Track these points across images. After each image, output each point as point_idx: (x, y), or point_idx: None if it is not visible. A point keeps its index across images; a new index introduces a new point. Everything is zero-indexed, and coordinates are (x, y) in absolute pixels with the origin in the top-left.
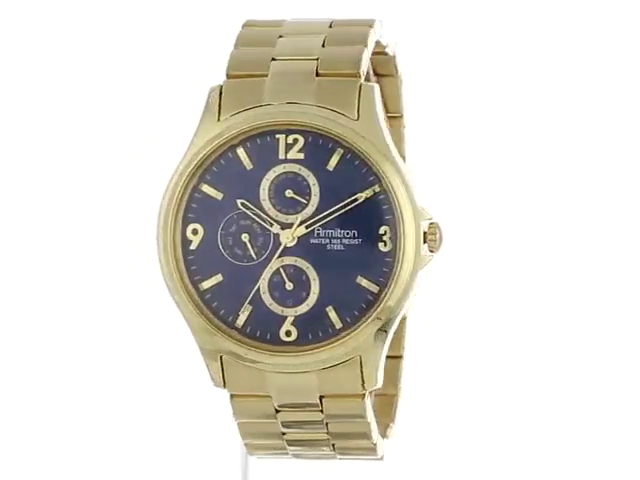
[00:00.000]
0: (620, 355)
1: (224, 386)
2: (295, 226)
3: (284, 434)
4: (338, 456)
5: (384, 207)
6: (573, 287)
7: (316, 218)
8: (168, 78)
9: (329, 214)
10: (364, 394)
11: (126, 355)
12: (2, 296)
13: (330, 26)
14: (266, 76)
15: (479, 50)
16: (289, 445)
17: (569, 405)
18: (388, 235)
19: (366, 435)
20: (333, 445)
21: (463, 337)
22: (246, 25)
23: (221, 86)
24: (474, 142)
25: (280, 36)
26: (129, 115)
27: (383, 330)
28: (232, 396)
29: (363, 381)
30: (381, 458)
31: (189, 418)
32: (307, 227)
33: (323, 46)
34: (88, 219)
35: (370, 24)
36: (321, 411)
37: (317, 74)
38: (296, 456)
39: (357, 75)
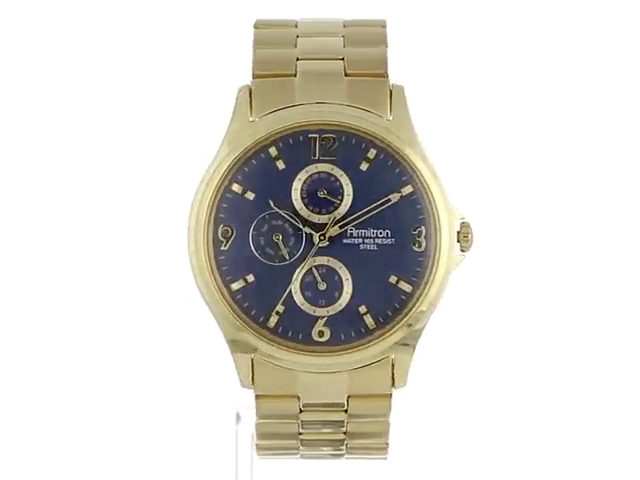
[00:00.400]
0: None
1: (253, 387)
2: (328, 226)
3: (300, 434)
4: (346, 456)
5: (417, 207)
6: (566, 291)
7: (350, 218)
8: (170, 77)
9: (362, 214)
10: (391, 394)
11: (130, 356)
12: (26, 297)
13: (344, 26)
14: (293, 76)
15: (472, 48)
16: (302, 445)
17: (570, 407)
18: (422, 235)
19: (382, 434)
20: (346, 445)
21: (466, 337)
22: (259, 25)
23: (249, 86)
24: (468, 143)
25: (297, 36)
26: (137, 117)
27: (408, 344)
28: (258, 396)
29: (393, 381)
30: (385, 457)
31: (192, 420)
32: (341, 227)
33: (344, 46)
34: (104, 222)
35: (383, 24)
36: (345, 411)
37: (346, 74)
38: (303, 456)
39: (385, 75)
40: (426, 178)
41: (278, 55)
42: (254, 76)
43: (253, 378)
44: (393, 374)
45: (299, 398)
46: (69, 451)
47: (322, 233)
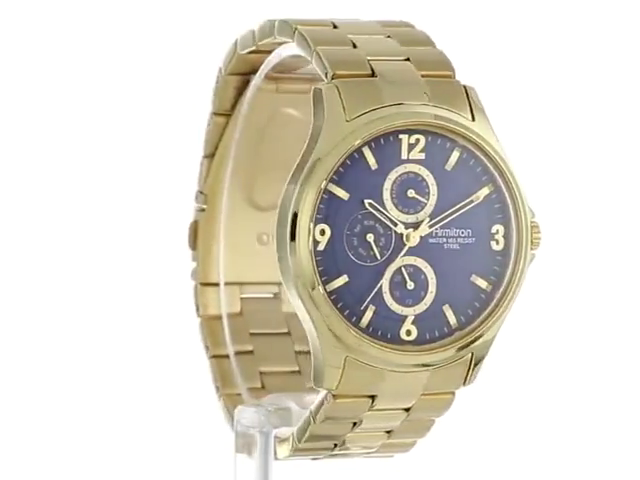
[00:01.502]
0: None
1: (336, 387)
2: (423, 225)
3: (346, 434)
4: (364, 455)
5: (496, 206)
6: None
7: (437, 218)
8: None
9: (449, 214)
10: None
11: (130, 358)
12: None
13: (382, 26)
14: (371, 76)
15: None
16: (341, 444)
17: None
18: (501, 234)
19: (424, 431)
20: (379, 443)
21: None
22: (301, 24)
23: (336, 85)
24: None
25: (349, 36)
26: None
27: (487, 341)
28: (336, 396)
29: (466, 378)
30: (392, 456)
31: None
32: (430, 227)
33: (401, 47)
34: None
35: (412, 25)
36: (407, 409)
37: (421, 75)
38: (326, 456)
39: (453, 76)
40: (509, 177)
41: (347, 55)
42: (334, 76)
43: (341, 378)
44: (468, 371)
45: (373, 398)
46: (70, 451)
47: (414, 233)
